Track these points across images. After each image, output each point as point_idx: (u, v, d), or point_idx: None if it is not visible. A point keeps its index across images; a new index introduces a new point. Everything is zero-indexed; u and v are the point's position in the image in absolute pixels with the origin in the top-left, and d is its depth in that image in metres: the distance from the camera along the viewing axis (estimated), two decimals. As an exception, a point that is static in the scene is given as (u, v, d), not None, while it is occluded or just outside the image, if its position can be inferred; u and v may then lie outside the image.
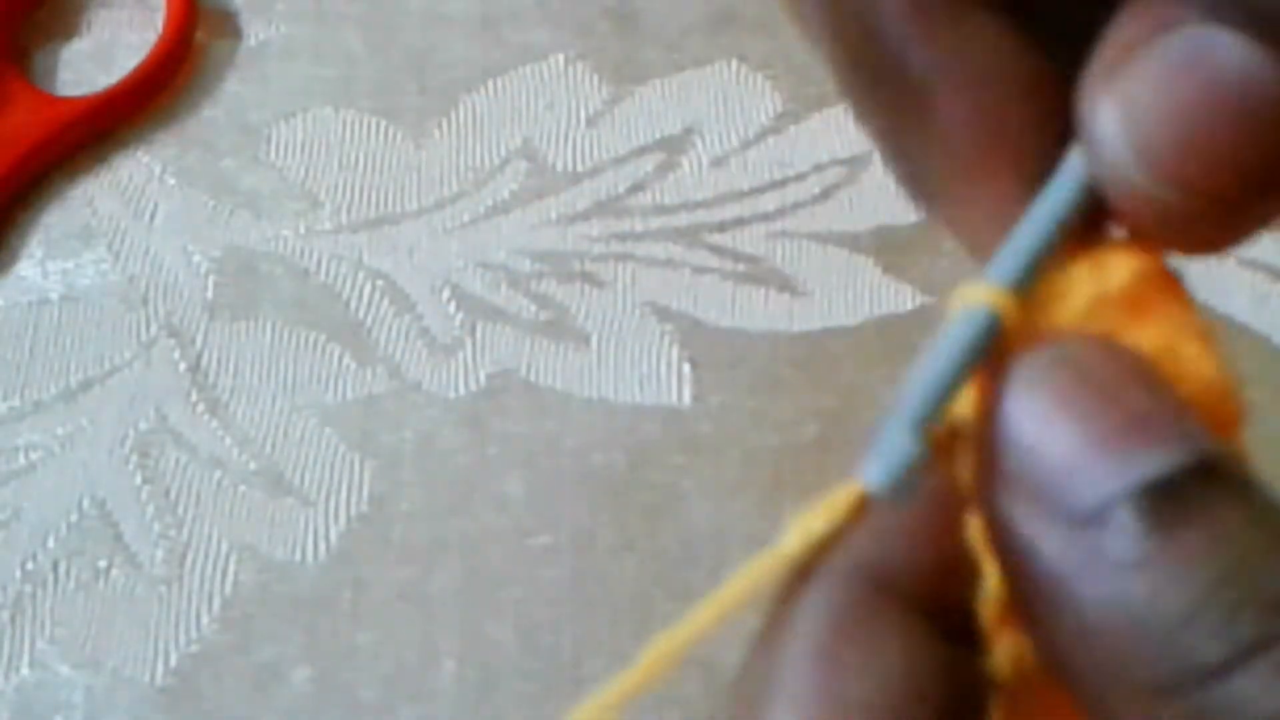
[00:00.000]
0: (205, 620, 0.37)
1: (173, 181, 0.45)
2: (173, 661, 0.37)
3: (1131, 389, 0.17)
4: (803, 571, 0.18)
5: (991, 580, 0.17)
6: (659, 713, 0.36)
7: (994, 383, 0.17)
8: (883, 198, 0.43)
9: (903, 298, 0.42)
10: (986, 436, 0.17)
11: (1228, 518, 0.16)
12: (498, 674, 0.37)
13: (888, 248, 0.42)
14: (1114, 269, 0.19)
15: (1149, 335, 0.18)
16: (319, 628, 0.37)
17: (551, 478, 0.39)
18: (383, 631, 0.37)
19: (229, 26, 0.48)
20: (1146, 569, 0.16)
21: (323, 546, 0.38)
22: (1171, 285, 0.19)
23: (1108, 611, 0.16)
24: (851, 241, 0.42)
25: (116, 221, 0.44)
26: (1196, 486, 0.16)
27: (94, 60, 0.47)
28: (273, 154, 0.45)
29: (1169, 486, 0.16)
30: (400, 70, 0.47)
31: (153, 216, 0.44)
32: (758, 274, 0.42)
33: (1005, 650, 0.18)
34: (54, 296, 0.43)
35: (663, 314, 0.42)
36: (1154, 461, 0.16)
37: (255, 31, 0.47)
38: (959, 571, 0.17)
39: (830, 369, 0.40)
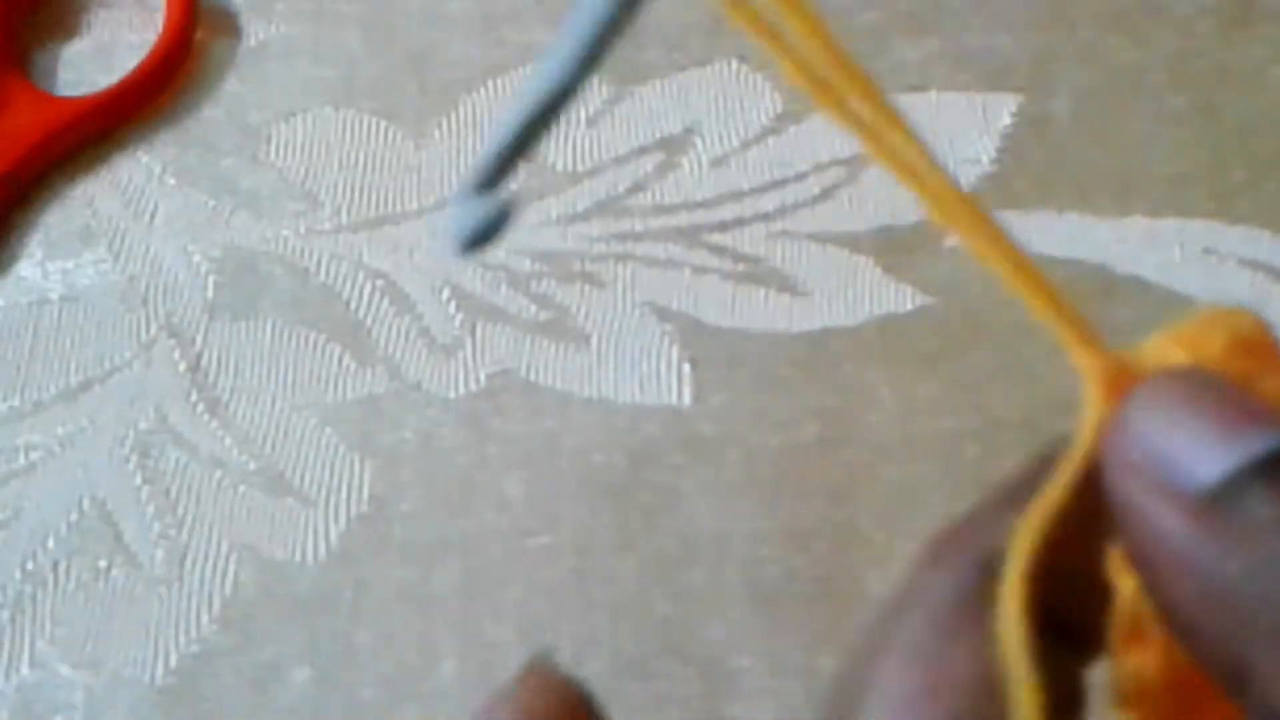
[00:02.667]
0: (205, 620, 0.37)
1: (173, 181, 0.45)
2: (173, 661, 0.37)
3: (1235, 392, 0.19)
4: (932, 549, 0.20)
5: (1124, 598, 0.19)
6: (659, 713, 0.36)
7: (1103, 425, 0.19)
8: (883, 198, 0.43)
9: (903, 298, 0.42)
10: (1113, 444, 0.19)
11: None
12: (498, 674, 0.37)
13: (888, 248, 0.42)
14: (1208, 338, 0.20)
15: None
16: (319, 628, 0.37)
17: (551, 478, 0.39)
18: (383, 631, 0.37)
19: (229, 26, 0.48)
20: (1270, 533, 0.17)
21: (323, 546, 0.38)
22: (1270, 351, 0.21)
23: (1230, 583, 0.17)
24: (851, 241, 0.42)
25: (116, 221, 0.44)
26: None
27: (94, 60, 0.47)
28: (273, 154, 0.45)
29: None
30: (400, 70, 0.47)
31: (153, 216, 0.44)
32: (758, 274, 0.42)
33: (1132, 665, 0.19)
34: (54, 296, 0.43)
35: (663, 314, 0.42)
36: (1268, 438, 0.18)
37: (255, 31, 0.47)
38: (1071, 576, 0.19)
39: (830, 369, 0.40)
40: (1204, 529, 0.18)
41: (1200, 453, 0.18)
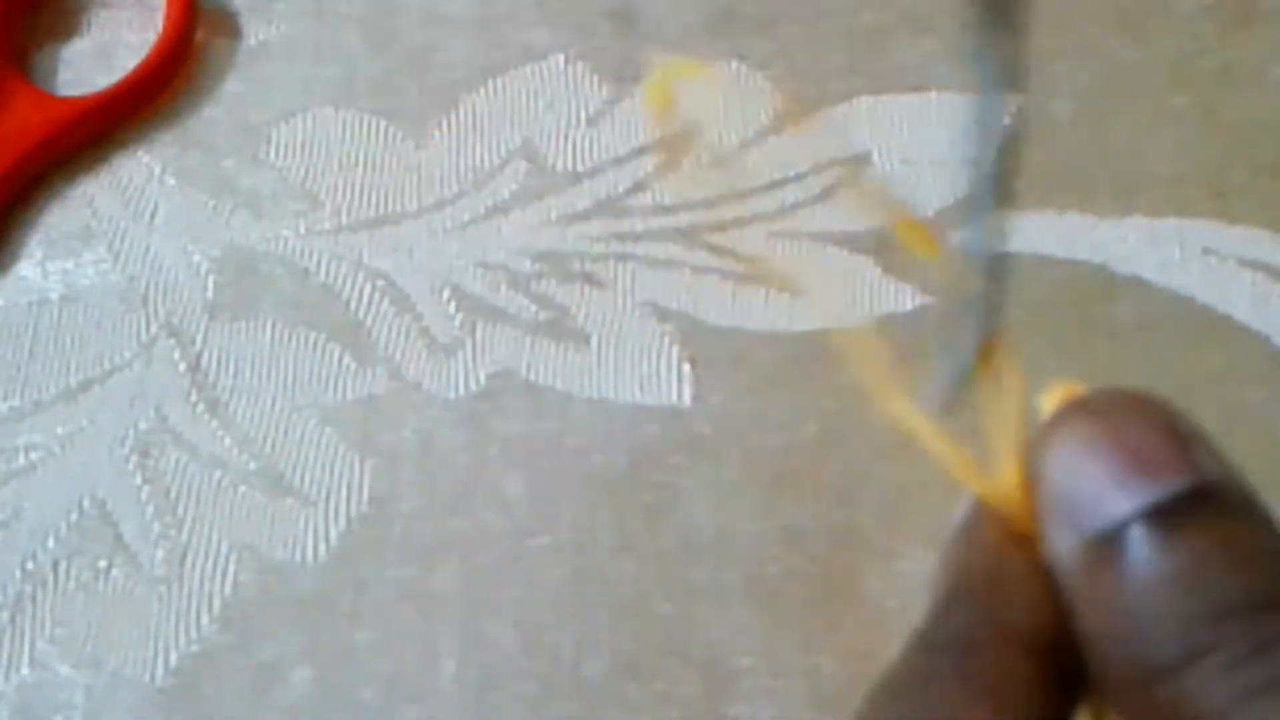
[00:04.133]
0: (205, 620, 0.37)
1: (173, 181, 0.45)
2: (173, 661, 0.37)
3: (1146, 431, 0.20)
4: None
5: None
6: (659, 713, 0.36)
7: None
8: (883, 197, 0.43)
9: (903, 298, 0.42)
10: (1033, 475, 0.21)
11: (1203, 538, 0.19)
12: (498, 674, 0.37)
13: (888, 248, 0.42)
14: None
15: None
16: (319, 628, 0.37)
17: (551, 478, 0.39)
18: (383, 631, 0.37)
19: (229, 26, 0.48)
20: (1139, 580, 0.19)
21: (323, 546, 0.38)
22: None
23: (1109, 616, 0.20)
24: (851, 241, 0.42)
25: (116, 221, 0.44)
26: (1191, 510, 0.20)
27: (94, 60, 0.47)
28: (273, 154, 0.45)
29: (1168, 510, 0.19)
30: (400, 70, 0.47)
31: (153, 216, 0.44)
32: (758, 274, 0.42)
33: None
34: (54, 296, 0.43)
35: (663, 314, 0.42)
36: (1154, 490, 0.20)
37: (255, 31, 0.47)
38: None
39: (830, 369, 0.40)
40: (1092, 563, 0.20)
41: (1094, 500, 0.20)
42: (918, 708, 0.20)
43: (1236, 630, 0.18)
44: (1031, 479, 0.21)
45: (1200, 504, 0.20)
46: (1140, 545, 0.19)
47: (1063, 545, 0.20)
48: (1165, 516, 0.19)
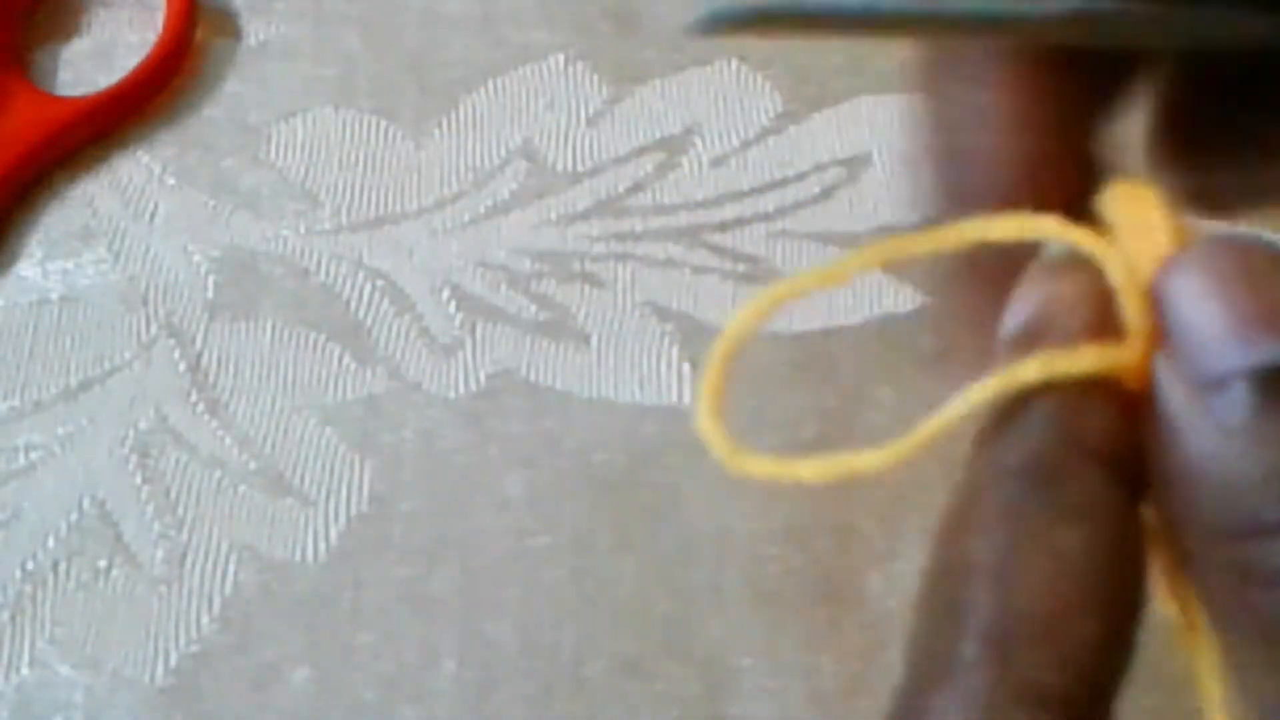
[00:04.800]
0: (205, 620, 0.37)
1: (173, 181, 0.45)
2: (173, 661, 0.37)
3: (1276, 284, 0.20)
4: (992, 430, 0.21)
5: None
6: (659, 713, 0.36)
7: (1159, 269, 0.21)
8: (883, 198, 0.43)
9: (903, 298, 0.42)
10: (1157, 302, 0.20)
11: None
12: (498, 674, 0.37)
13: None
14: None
15: None
16: (319, 628, 0.37)
17: (551, 478, 0.39)
18: (383, 631, 0.37)
19: (229, 26, 0.48)
20: (1241, 436, 0.19)
21: (323, 546, 0.38)
22: None
23: (1205, 463, 0.19)
24: (851, 241, 0.42)
25: (116, 221, 0.44)
26: None
27: (94, 60, 0.47)
28: (273, 154, 0.45)
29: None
30: (400, 70, 0.47)
31: (153, 216, 0.44)
32: (758, 274, 0.42)
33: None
34: (54, 296, 0.43)
35: (663, 314, 0.42)
36: (1273, 350, 0.19)
37: (255, 31, 0.47)
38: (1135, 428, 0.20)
39: (830, 369, 0.40)
40: (1195, 408, 0.19)
41: (1212, 343, 0.19)
42: (1005, 540, 0.19)
43: None
44: (1152, 298, 0.20)
45: None
46: (1245, 402, 0.19)
47: (1172, 379, 0.20)
48: (1276, 379, 0.19)
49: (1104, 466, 0.20)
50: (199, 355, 0.41)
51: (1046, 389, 0.20)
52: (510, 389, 0.40)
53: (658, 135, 0.45)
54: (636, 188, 0.44)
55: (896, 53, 0.46)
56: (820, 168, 0.44)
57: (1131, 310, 0.20)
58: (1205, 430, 0.19)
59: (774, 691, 0.36)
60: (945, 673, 0.19)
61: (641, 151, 0.45)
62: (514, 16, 0.47)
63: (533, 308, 0.42)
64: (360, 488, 0.39)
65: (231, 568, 0.38)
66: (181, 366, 0.41)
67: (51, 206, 0.44)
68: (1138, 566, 0.20)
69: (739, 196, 0.44)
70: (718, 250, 0.43)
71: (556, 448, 0.40)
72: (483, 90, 0.46)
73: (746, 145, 0.45)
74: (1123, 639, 0.19)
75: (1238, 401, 0.19)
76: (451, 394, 0.40)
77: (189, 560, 0.38)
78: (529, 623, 0.37)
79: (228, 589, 0.38)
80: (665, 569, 0.38)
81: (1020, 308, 0.22)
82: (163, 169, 0.45)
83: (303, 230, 0.43)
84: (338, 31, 0.47)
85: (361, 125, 0.46)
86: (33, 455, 0.40)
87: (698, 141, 0.45)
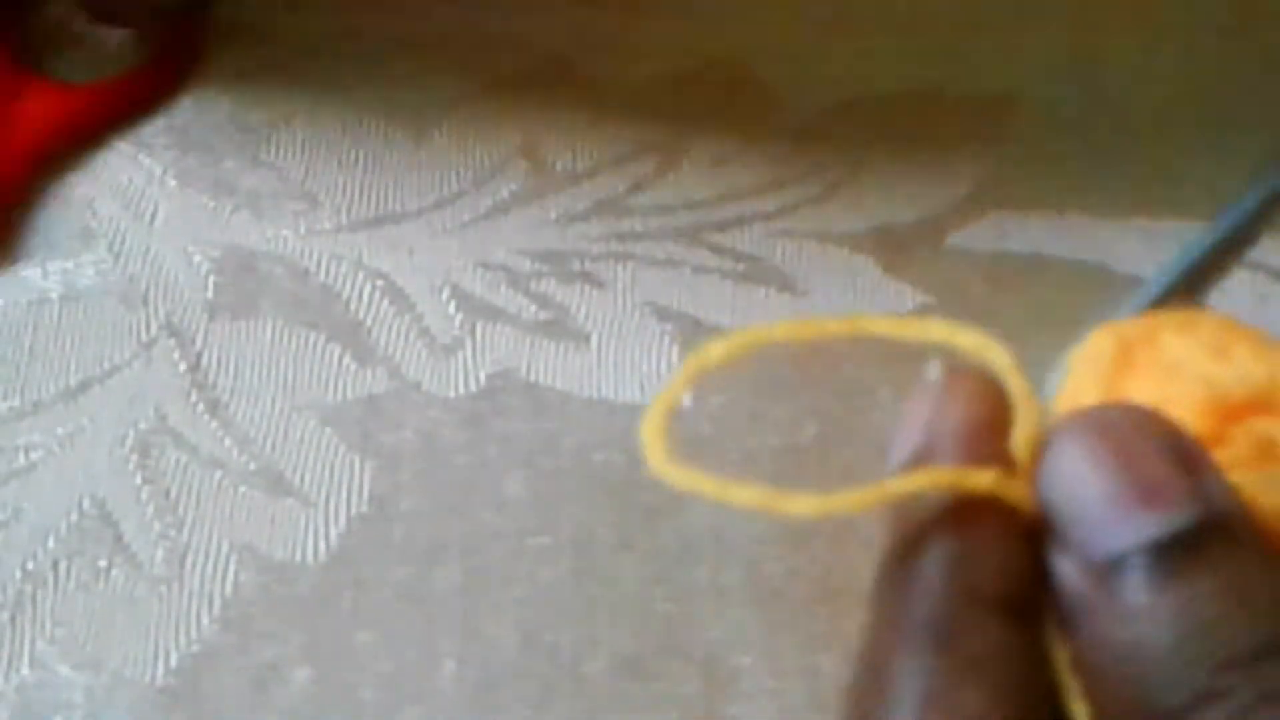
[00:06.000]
0: (205, 620, 0.37)
1: (173, 182, 0.45)
2: (173, 661, 0.37)
3: (1152, 455, 0.19)
4: (899, 570, 0.21)
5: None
6: (659, 713, 0.36)
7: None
8: (883, 197, 0.43)
9: (903, 298, 0.42)
10: (1037, 483, 0.20)
11: (1208, 578, 0.18)
12: (498, 674, 0.37)
13: (888, 247, 0.42)
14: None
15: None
16: (319, 628, 0.37)
17: (551, 478, 0.39)
18: (383, 631, 0.37)
19: (229, 26, 0.48)
20: (1140, 617, 0.18)
21: (323, 546, 0.38)
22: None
23: (1110, 648, 0.19)
24: (851, 241, 0.42)
25: (117, 221, 0.44)
26: (1196, 546, 0.18)
27: (94, 60, 0.47)
28: (273, 154, 0.45)
29: (1172, 546, 0.18)
30: (400, 69, 0.46)
31: (153, 217, 0.44)
32: (758, 274, 0.42)
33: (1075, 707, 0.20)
34: (54, 296, 0.43)
35: (663, 314, 0.42)
36: (1158, 523, 0.19)
37: (256, 32, 0.47)
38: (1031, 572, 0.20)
39: (830, 369, 0.40)
40: (1093, 591, 0.19)
41: (1093, 528, 0.19)
42: (913, 701, 0.19)
43: (1243, 677, 0.17)
44: (1035, 482, 0.20)
45: (1205, 540, 0.18)
46: (1142, 582, 0.18)
47: (1064, 564, 0.19)
48: (1168, 552, 0.18)
49: (1002, 613, 0.20)
50: (199, 355, 0.41)
51: (943, 524, 0.20)
52: (510, 389, 0.40)
53: (658, 135, 0.45)
54: (636, 188, 0.44)
55: (897, 55, 0.46)
56: (820, 167, 0.44)
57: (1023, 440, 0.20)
58: (1107, 614, 0.19)
59: (774, 691, 0.36)
60: None
61: (641, 151, 0.45)
62: (514, 16, 0.47)
63: (533, 308, 0.42)
64: (360, 488, 0.39)
65: (231, 568, 0.38)
66: (181, 366, 0.41)
67: (51, 206, 0.44)
68: (1044, 708, 0.20)
69: (739, 196, 0.44)
70: (718, 250, 0.43)
71: (556, 448, 0.40)
72: (483, 90, 0.46)
73: (746, 145, 0.45)
74: None
75: (1137, 580, 0.18)
76: (451, 394, 0.40)
77: (189, 560, 0.38)
78: (529, 623, 0.37)
79: (228, 589, 0.38)
80: (665, 569, 0.38)
81: (910, 429, 0.22)
82: (163, 170, 0.45)
83: (303, 230, 0.43)
84: (338, 30, 0.47)
85: (361, 125, 0.46)
86: (33, 455, 0.40)
87: (698, 141, 0.45)
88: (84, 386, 0.41)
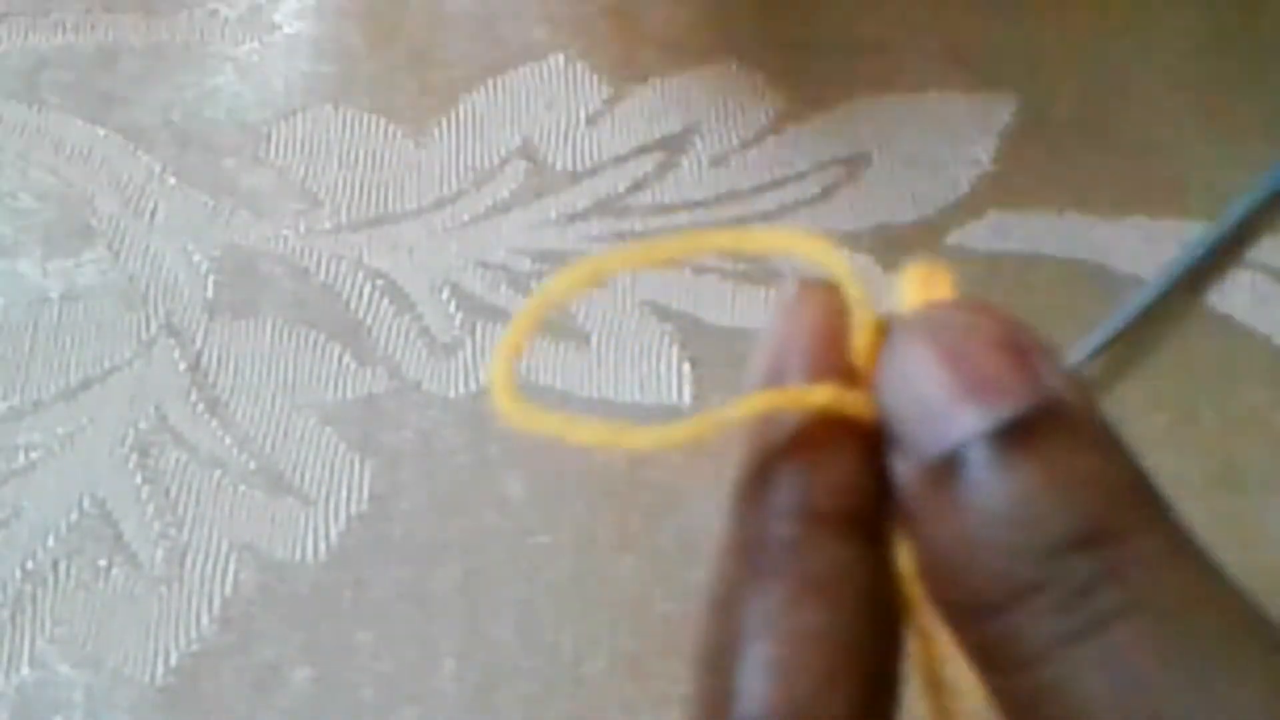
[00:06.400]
0: (205, 620, 0.37)
1: (173, 181, 0.45)
2: (173, 661, 0.37)
3: (983, 348, 0.19)
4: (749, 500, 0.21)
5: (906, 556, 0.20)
6: (659, 713, 0.36)
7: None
8: (883, 197, 0.43)
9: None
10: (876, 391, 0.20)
11: (1039, 466, 0.18)
12: (498, 674, 0.37)
13: (888, 247, 0.42)
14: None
15: None
16: (319, 628, 0.37)
17: (551, 478, 0.39)
18: (383, 631, 0.37)
19: (229, 26, 0.48)
20: (970, 512, 0.18)
21: (323, 546, 0.38)
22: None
23: (944, 548, 0.18)
24: (851, 241, 0.42)
25: (116, 221, 0.44)
26: (1029, 433, 0.18)
27: (95, 60, 0.47)
28: (273, 153, 0.45)
29: (1005, 434, 0.18)
30: (400, 69, 0.47)
31: (153, 216, 0.44)
32: (758, 274, 0.42)
33: (922, 621, 0.20)
34: (54, 296, 0.43)
35: (663, 314, 0.42)
36: (992, 412, 0.18)
37: (256, 31, 0.47)
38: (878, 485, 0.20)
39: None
40: (928, 490, 0.18)
41: (925, 425, 0.19)
42: (758, 619, 0.19)
43: (1063, 569, 0.17)
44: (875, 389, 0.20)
45: (1040, 427, 0.18)
46: (975, 472, 0.18)
47: (900, 467, 0.19)
48: (1002, 440, 0.18)
49: (843, 531, 0.19)
50: (199, 355, 0.41)
51: (783, 445, 0.20)
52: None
53: (658, 135, 0.45)
54: (636, 187, 0.44)
55: (895, 53, 0.46)
56: (820, 167, 0.44)
57: (864, 344, 0.20)
58: (941, 513, 0.18)
59: (774, 691, 0.36)
60: None
61: (641, 151, 0.45)
62: (514, 15, 0.47)
63: (533, 307, 0.42)
64: (360, 488, 0.39)
65: (231, 567, 0.38)
66: (181, 366, 0.41)
67: (51, 205, 0.44)
68: (891, 630, 0.19)
69: (739, 196, 0.44)
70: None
71: (556, 448, 0.39)
72: (483, 89, 0.46)
73: (746, 145, 0.45)
74: (880, 710, 0.18)
75: (967, 475, 0.18)
76: (451, 394, 0.40)
77: (189, 560, 0.38)
78: (529, 623, 0.37)
79: (228, 589, 0.38)
80: (665, 569, 0.38)
81: (763, 348, 0.21)
82: (163, 168, 0.45)
83: (303, 230, 0.43)
84: (338, 29, 0.47)
85: (361, 124, 0.46)
86: (33, 455, 0.40)
87: (698, 141, 0.45)
88: (84, 386, 0.41)
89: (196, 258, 0.43)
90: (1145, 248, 0.42)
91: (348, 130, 0.45)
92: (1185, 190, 0.43)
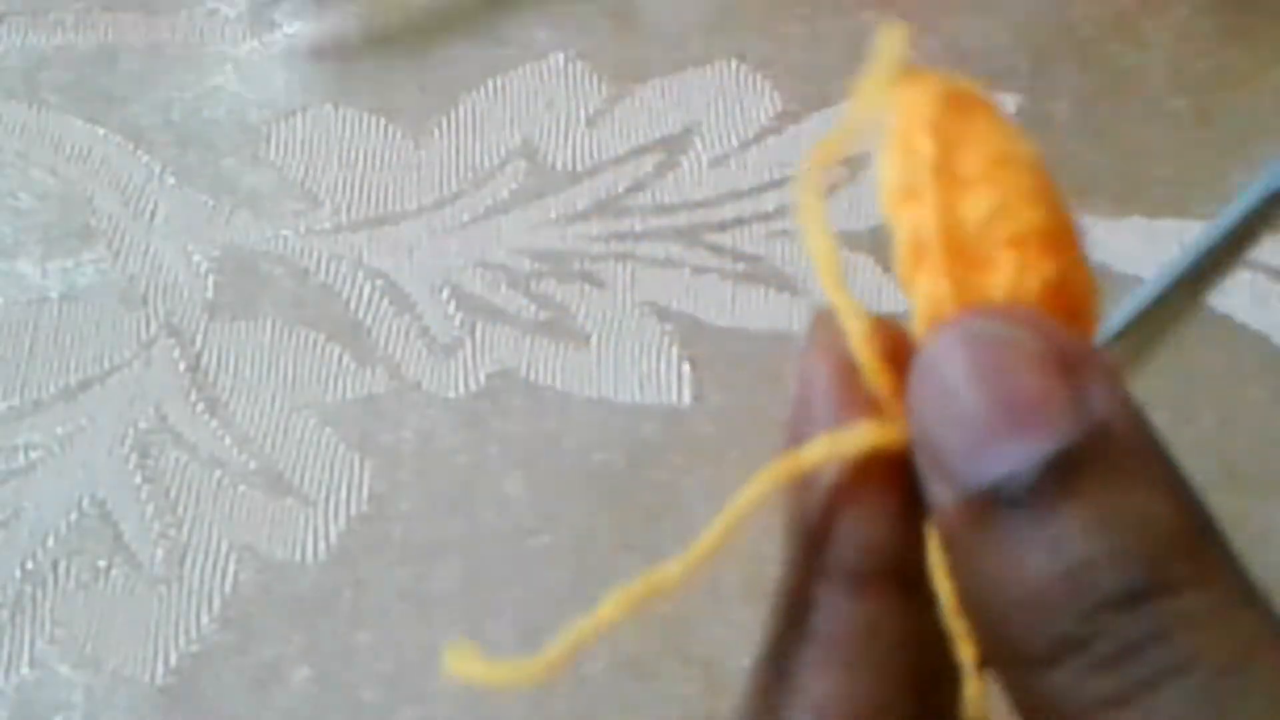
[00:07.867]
0: (205, 620, 0.37)
1: (173, 181, 0.45)
2: (173, 661, 0.37)
3: (1025, 366, 0.17)
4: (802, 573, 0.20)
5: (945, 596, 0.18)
6: (659, 713, 0.36)
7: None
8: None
9: (903, 297, 0.41)
10: (907, 404, 0.18)
11: (1085, 508, 0.16)
12: (498, 674, 0.37)
13: (888, 247, 0.42)
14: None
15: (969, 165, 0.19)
16: (319, 628, 0.37)
17: (551, 478, 0.39)
18: (383, 631, 0.37)
19: (229, 26, 0.48)
20: (1009, 555, 0.16)
21: (323, 546, 0.38)
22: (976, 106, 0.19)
23: (983, 590, 0.17)
24: (851, 241, 0.42)
25: (116, 221, 0.44)
26: (1075, 469, 0.16)
27: (95, 59, 0.47)
28: (273, 153, 0.45)
29: (1049, 470, 0.16)
30: (400, 69, 0.47)
31: (153, 216, 0.44)
32: (758, 274, 0.42)
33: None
34: (54, 296, 0.43)
35: (663, 314, 0.42)
36: (1035, 446, 0.16)
37: (256, 31, 0.47)
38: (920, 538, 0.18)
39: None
40: (967, 526, 0.17)
41: (962, 456, 0.17)
42: (778, 691, 0.18)
43: (1108, 626, 0.16)
44: (906, 403, 0.18)
45: (1086, 462, 0.16)
46: (1012, 515, 0.16)
47: (936, 493, 0.17)
48: (1044, 479, 0.16)
49: (858, 586, 0.18)
50: (199, 355, 0.41)
51: (825, 506, 0.19)
52: (510, 389, 0.40)
53: (657, 135, 0.45)
54: (636, 187, 0.44)
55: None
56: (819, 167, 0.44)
57: (877, 382, 0.18)
58: (980, 552, 0.17)
59: (774, 691, 0.36)
60: None
61: (641, 151, 0.45)
62: (514, 15, 0.47)
63: (533, 308, 0.42)
64: (360, 488, 0.39)
65: (231, 567, 0.38)
66: (181, 366, 0.41)
67: (51, 205, 0.44)
68: (932, 680, 0.18)
69: (739, 196, 0.44)
70: (718, 250, 0.43)
71: (556, 448, 0.40)
72: (483, 89, 0.46)
73: (746, 145, 0.45)
74: None
75: (1006, 514, 0.16)
76: (451, 394, 0.40)
77: (189, 560, 0.38)
78: (529, 623, 0.37)
79: (228, 589, 0.38)
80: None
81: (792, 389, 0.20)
82: (162, 168, 0.45)
83: (303, 230, 0.43)
84: (338, 30, 0.47)
85: (361, 124, 0.46)
86: (33, 455, 0.40)
87: (697, 141, 0.45)
88: (84, 386, 0.41)
89: (196, 258, 0.43)
90: (1146, 248, 0.42)
91: (348, 130, 0.45)
92: (1185, 190, 0.43)
